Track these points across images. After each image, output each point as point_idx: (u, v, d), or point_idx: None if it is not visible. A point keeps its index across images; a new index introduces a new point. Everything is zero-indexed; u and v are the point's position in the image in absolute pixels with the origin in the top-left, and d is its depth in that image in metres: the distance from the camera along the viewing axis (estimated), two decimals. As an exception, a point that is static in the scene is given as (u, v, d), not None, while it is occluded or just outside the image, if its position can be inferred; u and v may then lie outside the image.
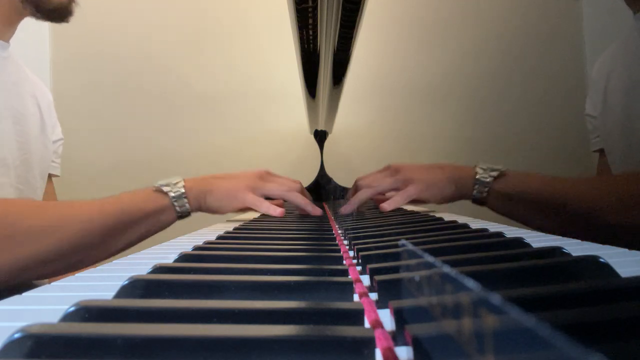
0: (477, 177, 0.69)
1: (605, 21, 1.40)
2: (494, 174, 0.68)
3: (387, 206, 0.70)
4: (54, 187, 0.93)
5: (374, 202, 0.80)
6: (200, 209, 0.69)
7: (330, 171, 1.31)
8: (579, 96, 1.45)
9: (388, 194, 0.75)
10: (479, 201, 0.70)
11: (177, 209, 0.67)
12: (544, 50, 1.49)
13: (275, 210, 0.69)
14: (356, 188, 0.77)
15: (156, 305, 0.20)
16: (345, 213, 0.71)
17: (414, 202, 0.73)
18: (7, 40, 0.76)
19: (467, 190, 0.69)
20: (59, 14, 0.74)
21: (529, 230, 0.44)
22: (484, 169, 0.69)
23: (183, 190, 0.67)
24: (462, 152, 1.45)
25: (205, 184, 0.69)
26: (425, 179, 0.70)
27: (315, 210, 0.72)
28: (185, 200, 0.67)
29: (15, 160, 0.73)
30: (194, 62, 1.47)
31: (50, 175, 0.88)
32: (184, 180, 0.69)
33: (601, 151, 0.89)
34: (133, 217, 0.63)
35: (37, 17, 0.75)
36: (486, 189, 0.68)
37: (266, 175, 0.74)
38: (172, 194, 0.66)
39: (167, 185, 0.67)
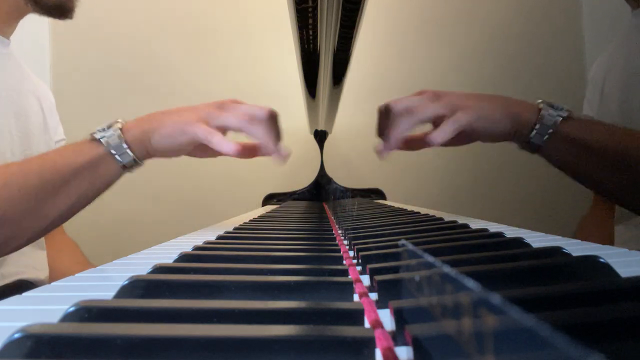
0: (541, 113, 0.55)
1: (605, 20, 1.40)
2: (563, 114, 0.55)
3: (436, 137, 0.54)
4: None
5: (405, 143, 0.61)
6: (148, 153, 0.58)
7: (330, 171, 1.31)
8: (579, 96, 1.45)
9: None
10: (532, 146, 0.57)
11: (118, 157, 0.56)
12: (544, 50, 1.49)
13: (229, 147, 0.55)
14: (389, 116, 0.59)
15: (156, 305, 0.20)
16: (388, 150, 0.57)
17: (457, 140, 0.59)
18: (7, 37, 0.76)
19: (524, 130, 0.56)
20: (59, 10, 0.73)
21: (529, 231, 0.44)
22: (549, 106, 0.56)
23: (119, 133, 0.56)
24: (462, 151, 1.45)
25: (149, 122, 0.57)
26: (478, 106, 0.56)
27: (279, 154, 0.58)
28: (125, 145, 0.56)
29: (15, 156, 0.73)
30: (194, 61, 1.47)
31: None
32: (125, 122, 0.58)
33: None
34: (62, 174, 0.54)
35: (39, 13, 0.74)
36: (549, 132, 0.55)
37: (227, 104, 0.60)
38: (106, 140, 0.55)
39: (102, 130, 0.56)
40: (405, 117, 0.56)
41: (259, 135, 0.57)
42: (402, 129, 0.56)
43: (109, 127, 0.56)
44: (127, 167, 0.57)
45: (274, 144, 0.57)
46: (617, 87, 0.78)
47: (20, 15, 0.76)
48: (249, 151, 0.60)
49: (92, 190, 0.57)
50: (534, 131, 0.56)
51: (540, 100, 0.57)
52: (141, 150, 0.57)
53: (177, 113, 0.58)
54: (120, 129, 0.56)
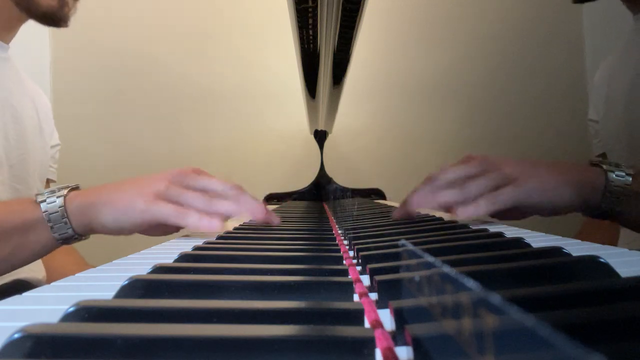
0: (608, 176, 0.50)
1: (605, 19, 1.40)
2: (630, 171, 0.50)
3: (466, 211, 0.48)
4: None
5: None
6: (92, 229, 0.51)
7: (330, 171, 1.31)
8: (579, 95, 1.45)
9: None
10: (604, 213, 0.51)
11: (53, 227, 0.49)
12: (544, 49, 1.49)
13: (211, 224, 0.48)
14: (434, 186, 0.53)
15: (156, 305, 0.20)
16: (420, 208, 0.52)
17: (506, 215, 0.52)
18: (7, 42, 0.76)
19: (593, 197, 0.50)
20: (51, 18, 0.73)
21: (529, 230, 0.44)
22: (613, 166, 0.51)
23: (60, 203, 0.49)
24: (462, 152, 1.45)
25: (98, 194, 0.51)
26: (535, 177, 0.49)
27: (211, 225, 0.49)
28: (64, 217, 0.49)
29: (11, 159, 0.72)
30: (194, 62, 1.47)
31: (48, 180, 0.89)
32: (73, 190, 0.51)
33: (603, 155, 0.89)
34: None
35: (35, 21, 0.75)
36: (621, 194, 0.49)
37: (189, 176, 0.53)
38: (46, 206, 0.49)
39: (47, 194, 0.50)
40: (454, 191, 0.50)
41: (223, 211, 0.51)
42: (446, 201, 0.50)
43: (55, 192, 0.51)
44: (63, 240, 0.51)
45: (242, 212, 0.51)
46: (622, 93, 0.78)
47: (20, 21, 0.76)
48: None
49: (18, 255, 0.51)
50: (605, 196, 0.50)
51: (599, 161, 0.53)
52: (83, 224, 0.50)
53: (132, 185, 0.51)
54: (65, 198, 0.50)
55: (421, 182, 0.57)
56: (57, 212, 0.49)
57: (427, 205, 0.51)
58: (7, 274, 0.72)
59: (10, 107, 0.73)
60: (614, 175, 0.50)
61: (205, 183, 0.53)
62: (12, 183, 0.73)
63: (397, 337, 0.18)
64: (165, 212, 0.49)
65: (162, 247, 0.45)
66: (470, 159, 0.54)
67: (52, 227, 0.50)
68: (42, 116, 0.83)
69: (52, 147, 0.88)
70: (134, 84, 1.46)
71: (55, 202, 0.49)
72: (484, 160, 0.53)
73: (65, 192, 0.51)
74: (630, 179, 0.50)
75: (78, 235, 0.52)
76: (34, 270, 0.79)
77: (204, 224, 0.48)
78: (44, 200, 0.50)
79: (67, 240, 0.52)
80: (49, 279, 0.83)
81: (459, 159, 0.56)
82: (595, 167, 0.52)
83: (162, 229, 0.53)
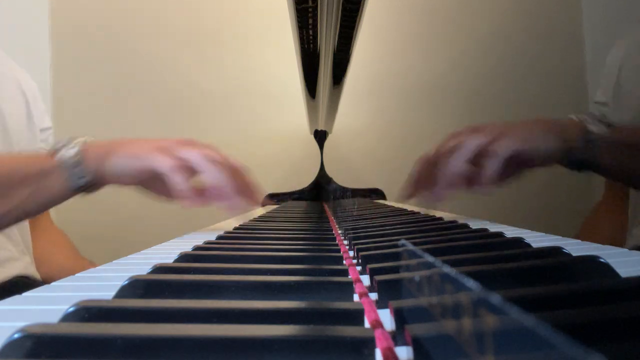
0: (586, 127, 0.53)
1: (605, 17, 1.40)
2: (607, 121, 0.54)
3: (490, 170, 0.51)
4: None
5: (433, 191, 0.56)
6: (102, 177, 0.54)
7: (330, 171, 1.31)
8: (578, 93, 1.45)
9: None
10: (584, 162, 0.54)
11: (68, 173, 0.52)
12: (543, 47, 1.49)
13: (185, 187, 0.51)
14: (429, 166, 0.57)
15: (156, 305, 0.20)
16: (442, 194, 0.54)
17: (508, 173, 0.55)
18: None
19: (573, 145, 0.53)
20: None
21: (529, 230, 0.44)
22: (590, 117, 0.54)
23: (76, 152, 0.53)
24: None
25: (110, 145, 0.55)
26: (520, 129, 0.54)
27: (235, 205, 0.53)
28: (80, 162, 0.52)
29: None
30: (194, 61, 1.47)
31: None
32: (86, 141, 0.55)
33: None
34: (9, 177, 0.51)
35: None
36: (597, 142, 0.53)
37: (189, 142, 0.58)
38: (60, 154, 0.52)
39: (62, 144, 0.54)
40: (453, 157, 0.53)
41: (217, 177, 0.53)
42: (453, 168, 0.53)
43: (69, 142, 0.54)
44: (76, 189, 0.54)
45: (232, 190, 0.53)
46: (635, 80, 0.77)
47: None
48: (203, 199, 0.55)
49: (32, 202, 0.53)
50: (586, 144, 0.53)
51: (577, 115, 0.56)
52: (94, 172, 0.53)
53: (143, 140, 0.56)
54: (80, 147, 0.53)
55: (432, 154, 0.59)
56: (73, 160, 0.52)
57: (451, 176, 0.53)
58: (8, 272, 0.71)
59: None
60: (592, 126, 0.53)
61: (207, 151, 0.56)
62: None
63: (397, 337, 0.18)
64: (163, 163, 0.52)
65: (162, 247, 0.45)
66: (458, 132, 0.57)
67: (67, 175, 0.52)
68: (30, 99, 0.81)
69: (43, 130, 0.86)
70: (134, 84, 1.46)
71: (70, 151, 0.53)
72: (473, 127, 0.56)
73: (80, 142, 0.54)
74: (606, 129, 0.53)
75: (91, 185, 0.54)
76: (25, 253, 0.78)
77: (182, 188, 0.51)
78: (60, 149, 0.53)
79: (79, 190, 0.54)
80: (48, 273, 0.82)
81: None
82: (574, 119, 0.55)
83: (159, 188, 0.56)
